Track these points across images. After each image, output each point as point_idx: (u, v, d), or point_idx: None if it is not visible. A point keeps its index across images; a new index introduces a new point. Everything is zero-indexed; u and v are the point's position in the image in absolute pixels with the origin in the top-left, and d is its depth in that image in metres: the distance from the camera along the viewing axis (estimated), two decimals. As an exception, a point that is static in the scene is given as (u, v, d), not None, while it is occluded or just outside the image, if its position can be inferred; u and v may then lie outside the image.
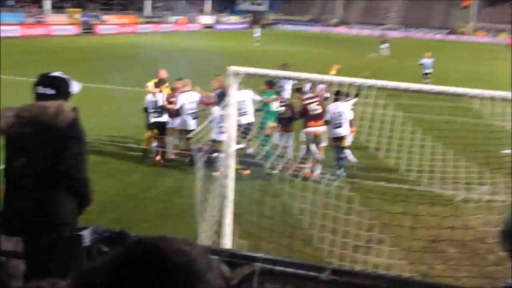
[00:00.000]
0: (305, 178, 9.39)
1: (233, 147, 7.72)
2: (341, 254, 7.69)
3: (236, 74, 7.48)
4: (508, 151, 11.50)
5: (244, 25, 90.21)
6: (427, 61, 29.26)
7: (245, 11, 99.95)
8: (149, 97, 13.53)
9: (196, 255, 1.25)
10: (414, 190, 11.08)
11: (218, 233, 7.59)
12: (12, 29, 51.37)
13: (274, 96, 13.81)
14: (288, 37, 69.00)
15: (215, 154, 11.83)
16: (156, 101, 13.40)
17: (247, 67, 7.68)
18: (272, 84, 14.06)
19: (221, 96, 12.56)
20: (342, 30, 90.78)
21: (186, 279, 1.21)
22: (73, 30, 59.47)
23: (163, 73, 14.17)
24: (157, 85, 13.66)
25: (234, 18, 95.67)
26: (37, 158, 4.46)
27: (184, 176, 12.01)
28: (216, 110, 12.52)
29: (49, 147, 4.45)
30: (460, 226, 8.75)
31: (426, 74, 28.83)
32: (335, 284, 4.02)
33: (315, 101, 13.06)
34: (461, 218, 8.96)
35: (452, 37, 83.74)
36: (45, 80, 4.71)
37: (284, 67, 15.99)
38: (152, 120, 13.45)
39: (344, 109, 12.80)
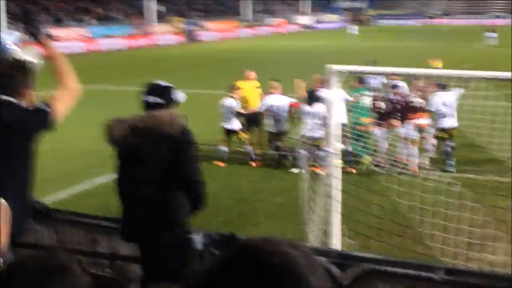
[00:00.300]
0: (412, 175, 9.17)
1: (337, 146, 7.68)
2: (455, 253, 7.46)
3: (337, 72, 7.42)
4: None
5: (343, 23, 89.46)
6: None
7: (344, 9, 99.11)
8: (223, 103, 13.72)
9: (298, 257, 1.25)
10: (530, 184, 10.55)
11: (326, 233, 7.56)
12: (118, 42, 53.57)
13: (366, 92, 13.65)
14: (388, 32, 67.80)
15: (303, 152, 11.82)
16: (228, 107, 13.53)
17: (347, 65, 7.61)
18: (363, 81, 13.92)
19: (312, 95, 12.62)
20: (445, 21, 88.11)
21: (287, 281, 1.22)
22: (177, 39, 61.21)
23: (252, 75, 14.41)
24: (230, 90, 13.80)
25: (332, 17, 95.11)
26: (155, 166, 4.61)
27: (289, 177, 12.06)
28: (306, 108, 12.57)
29: (165, 155, 4.60)
30: None
31: None
32: (450, 284, 3.90)
33: (414, 94, 12.84)
34: None
35: None
36: (153, 89, 4.87)
37: (373, 63, 15.77)
38: (223, 125, 13.64)
39: (450, 99, 12.46)
